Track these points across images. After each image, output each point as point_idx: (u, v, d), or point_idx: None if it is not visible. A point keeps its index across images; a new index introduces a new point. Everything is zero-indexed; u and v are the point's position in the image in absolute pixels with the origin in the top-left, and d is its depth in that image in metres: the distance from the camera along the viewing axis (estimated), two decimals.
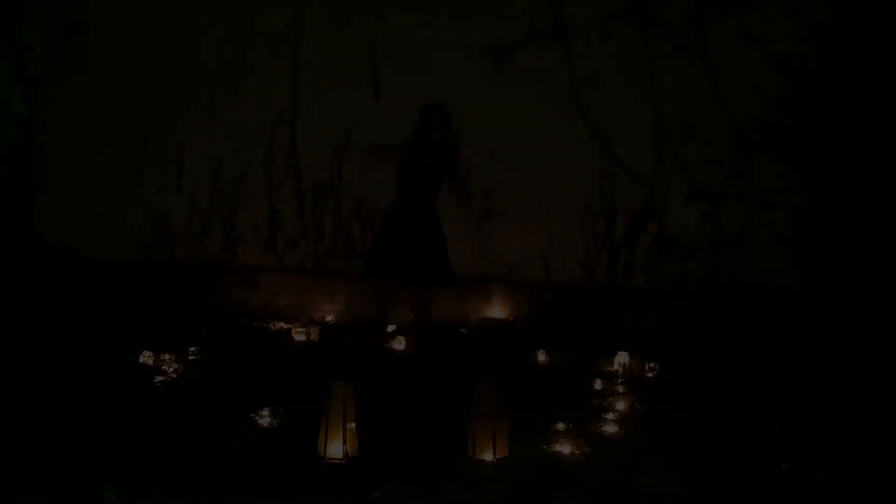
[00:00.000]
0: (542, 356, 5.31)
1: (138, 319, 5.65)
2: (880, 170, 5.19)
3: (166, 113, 6.48)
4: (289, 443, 3.55)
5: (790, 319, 5.14)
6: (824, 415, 4.08)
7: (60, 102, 6.30)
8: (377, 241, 5.03)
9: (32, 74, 3.27)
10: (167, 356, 4.89)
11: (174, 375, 4.70)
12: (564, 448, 3.56)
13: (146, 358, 4.89)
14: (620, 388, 4.72)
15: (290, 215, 6.55)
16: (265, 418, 3.78)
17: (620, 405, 4.31)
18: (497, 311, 6.29)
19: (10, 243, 5.96)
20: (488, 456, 3.41)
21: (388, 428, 3.74)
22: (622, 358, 5.18)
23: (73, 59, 5.33)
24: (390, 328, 5.97)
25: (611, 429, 3.89)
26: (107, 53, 6.28)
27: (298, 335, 5.74)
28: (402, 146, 4.86)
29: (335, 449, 3.38)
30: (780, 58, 5.65)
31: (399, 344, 5.52)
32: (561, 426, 3.68)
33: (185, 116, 6.49)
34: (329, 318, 6.19)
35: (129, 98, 6.46)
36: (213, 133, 6.50)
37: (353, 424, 3.42)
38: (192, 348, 5.10)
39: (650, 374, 5.07)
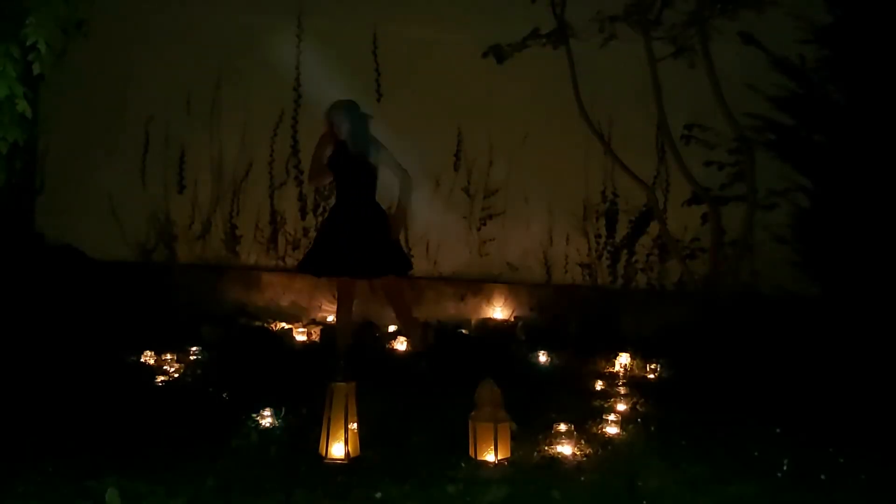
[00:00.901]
0: (543, 357, 5.30)
1: (140, 319, 5.64)
2: (882, 171, 5.18)
3: (168, 113, 6.49)
4: (290, 443, 3.56)
5: (791, 321, 5.13)
6: (825, 416, 4.08)
7: (62, 102, 6.31)
8: (318, 238, 4.93)
9: (37, 74, 3.25)
10: (169, 356, 4.91)
11: (176, 375, 4.71)
12: (566, 449, 3.56)
13: (148, 358, 4.90)
14: (621, 390, 4.73)
15: (291, 216, 6.55)
16: (267, 418, 3.78)
17: (622, 406, 4.31)
18: (498, 311, 6.29)
19: (12, 243, 5.96)
20: (490, 456, 3.41)
21: (390, 428, 3.75)
22: (623, 359, 5.19)
23: (75, 59, 5.32)
24: (391, 328, 5.98)
25: (612, 430, 3.89)
26: (109, 53, 6.29)
27: (300, 335, 5.74)
28: (323, 149, 4.79)
29: (337, 449, 3.39)
30: (781, 59, 5.64)
31: (400, 344, 5.53)
32: (562, 427, 3.68)
33: (186, 117, 6.50)
34: (330, 318, 6.19)
35: (131, 98, 6.47)
36: (215, 134, 6.51)
37: (355, 425, 3.43)
38: (194, 348, 5.11)
39: (651, 376, 5.07)
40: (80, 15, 3.65)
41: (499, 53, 6.00)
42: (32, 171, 6.45)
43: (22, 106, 3.34)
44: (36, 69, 3.30)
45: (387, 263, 4.78)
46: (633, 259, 6.40)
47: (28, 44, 3.23)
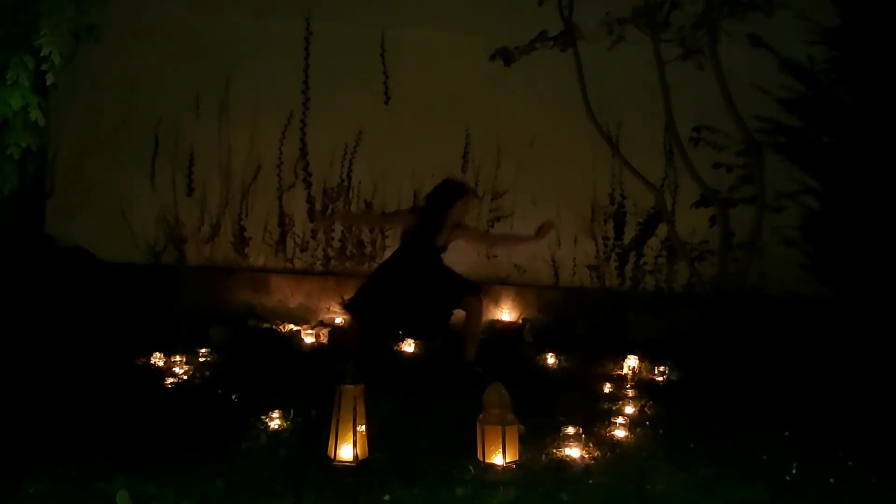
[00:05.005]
0: (551, 359, 5.31)
1: (149, 321, 5.67)
2: (892, 173, 5.17)
3: (177, 116, 6.52)
4: (299, 445, 3.57)
5: (800, 323, 5.12)
6: (834, 420, 4.07)
7: (72, 105, 6.34)
8: (377, 295, 4.97)
9: (50, 83, 3.28)
10: (178, 358, 4.92)
11: (185, 377, 4.72)
12: (574, 452, 3.56)
13: (157, 359, 4.92)
14: (630, 392, 4.72)
15: (300, 218, 6.57)
16: (275, 420, 3.80)
17: (630, 409, 4.30)
18: (506, 314, 6.29)
19: (24, 244, 6.00)
20: (498, 459, 3.41)
21: (398, 431, 3.75)
22: (631, 361, 5.18)
23: (84, 62, 5.35)
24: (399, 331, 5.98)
25: (620, 433, 3.89)
26: (118, 56, 6.32)
27: (308, 337, 5.76)
28: (399, 217, 4.95)
29: (345, 451, 3.40)
30: (790, 61, 5.63)
31: (408, 346, 5.54)
32: (570, 430, 3.68)
33: (195, 119, 6.53)
34: (338, 320, 6.21)
35: (140, 101, 6.50)
36: (224, 136, 6.54)
37: (363, 427, 3.43)
38: (203, 350, 5.13)
39: (659, 378, 5.06)
40: (90, 19, 3.67)
41: (506, 56, 6.00)
42: (42, 174, 6.48)
43: (35, 114, 3.37)
44: (49, 79, 3.33)
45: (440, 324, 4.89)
46: (642, 261, 6.40)
47: (42, 54, 3.26)
